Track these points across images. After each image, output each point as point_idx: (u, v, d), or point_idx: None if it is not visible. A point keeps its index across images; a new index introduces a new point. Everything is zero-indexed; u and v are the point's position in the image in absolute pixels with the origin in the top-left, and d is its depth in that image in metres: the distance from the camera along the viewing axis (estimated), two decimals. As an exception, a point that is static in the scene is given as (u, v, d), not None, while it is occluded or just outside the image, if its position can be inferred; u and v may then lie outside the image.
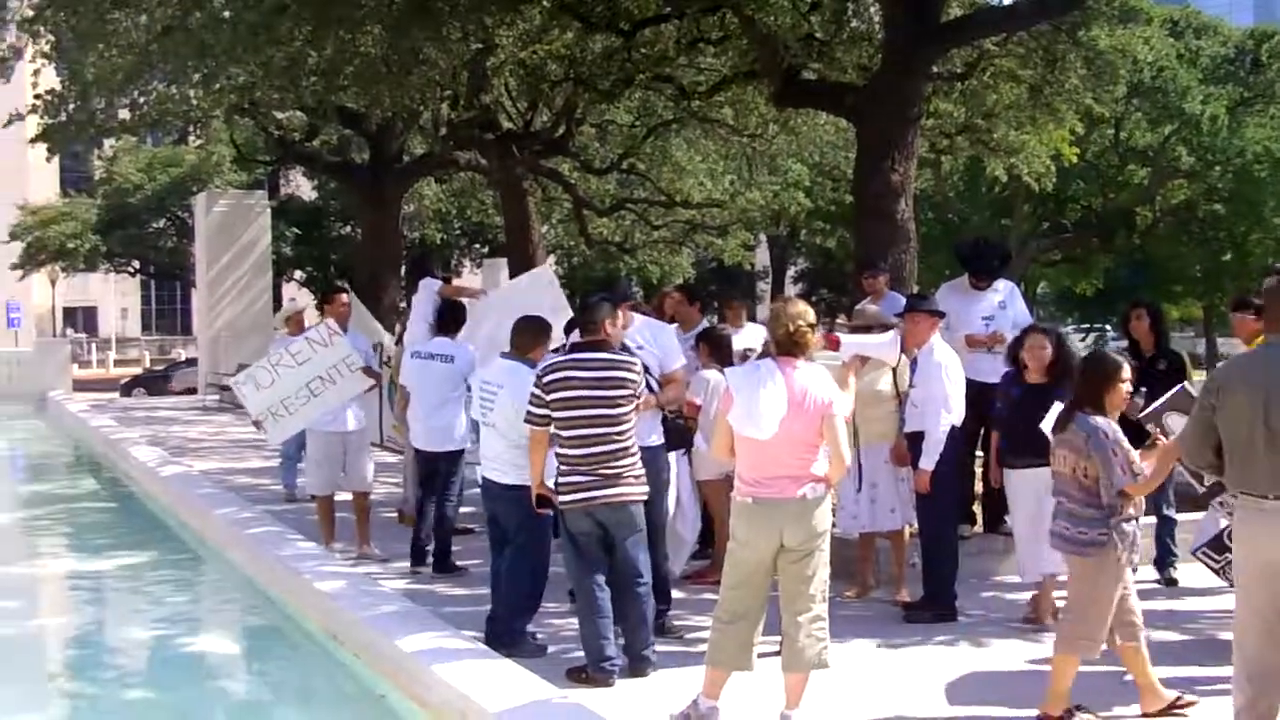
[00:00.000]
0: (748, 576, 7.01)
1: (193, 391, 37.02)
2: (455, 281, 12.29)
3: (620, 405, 7.75)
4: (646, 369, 8.44)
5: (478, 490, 10.70)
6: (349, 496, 12.09)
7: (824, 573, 7.02)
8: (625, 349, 8.07)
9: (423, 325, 11.62)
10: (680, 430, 9.09)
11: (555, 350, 8.72)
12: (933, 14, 14.49)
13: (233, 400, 29.13)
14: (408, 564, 11.02)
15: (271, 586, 10.93)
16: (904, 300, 10.73)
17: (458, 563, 10.94)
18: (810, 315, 7.06)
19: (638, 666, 7.84)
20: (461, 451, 11.09)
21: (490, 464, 8.66)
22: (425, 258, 13.49)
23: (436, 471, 11.04)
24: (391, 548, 11.45)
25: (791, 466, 6.88)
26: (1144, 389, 10.26)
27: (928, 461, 9.18)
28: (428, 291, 11.99)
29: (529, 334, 8.78)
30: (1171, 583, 10.45)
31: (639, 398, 7.86)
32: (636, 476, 7.83)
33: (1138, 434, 10.38)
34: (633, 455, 7.83)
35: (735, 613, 7.02)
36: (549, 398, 7.82)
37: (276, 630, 10.48)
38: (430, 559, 10.94)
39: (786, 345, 7.00)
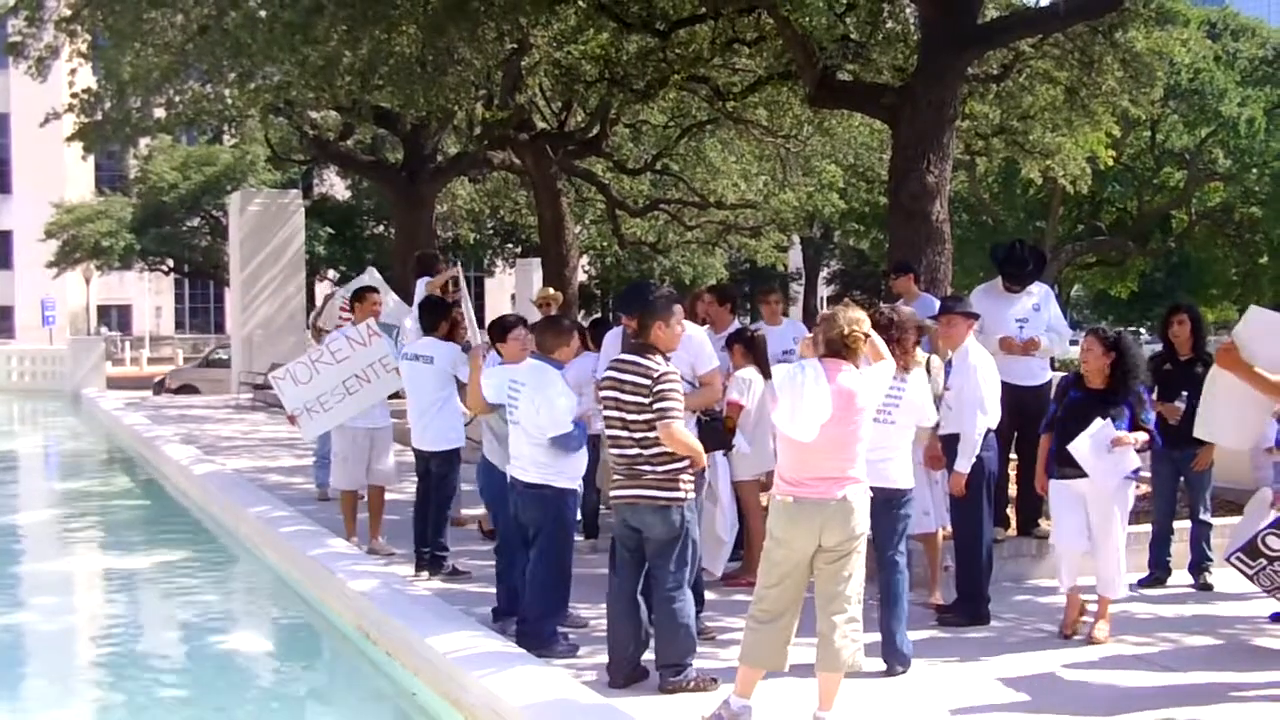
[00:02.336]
0: (785, 576, 7.01)
1: (191, 390, 37.17)
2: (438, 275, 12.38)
3: (636, 412, 7.62)
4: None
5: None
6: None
7: (860, 574, 7.03)
8: (653, 351, 7.77)
9: (416, 325, 11.71)
10: (717, 432, 9.04)
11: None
12: (969, 15, 14.45)
13: (264, 399, 29.34)
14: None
15: (304, 585, 10.96)
16: (937, 302, 10.71)
17: (459, 566, 11.00)
18: (866, 324, 7.08)
19: (660, 680, 7.71)
20: (455, 451, 11.12)
21: (516, 462, 8.67)
22: (431, 257, 13.38)
23: (429, 471, 11.11)
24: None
25: (832, 468, 6.91)
26: (1184, 393, 10.21)
27: (963, 464, 9.14)
28: (420, 291, 12.08)
29: (551, 334, 8.76)
30: (1206, 588, 10.40)
31: (662, 403, 7.55)
32: (667, 480, 7.67)
33: (1176, 438, 10.37)
34: (660, 461, 7.64)
35: (771, 612, 7.02)
36: (599, 394, 7.86)
37: (309, 628, 10.51)
38: (442, 566, 10.99)
39: (837, 347, 7.01)
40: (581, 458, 8.65)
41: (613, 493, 7.88)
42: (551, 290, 15.03)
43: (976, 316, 9.70)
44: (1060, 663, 8.37)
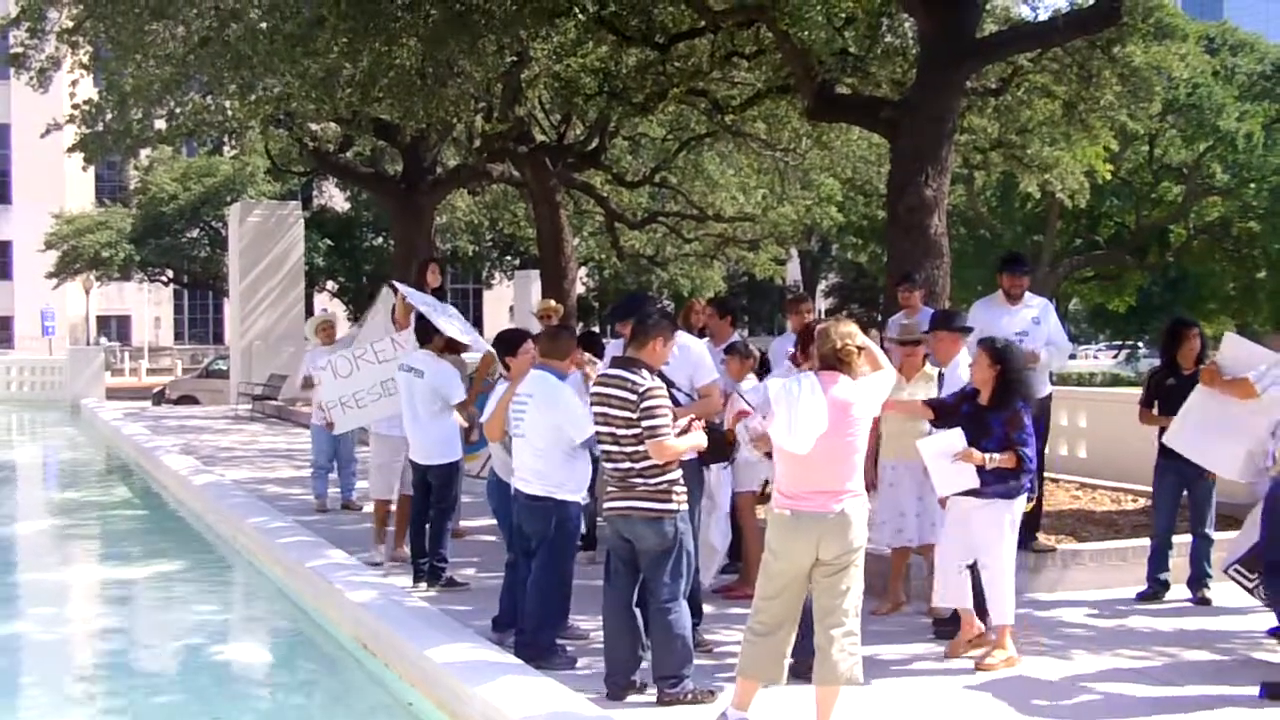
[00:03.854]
0: (782, 589, 7.02)
1: (191, 400, 37.20)
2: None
3: (624, 426, 7.65)
4: (673, 384, 8.43)
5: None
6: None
7: (858, 587, 7.03)
8: (640, 366, 7.80)
9: (412, 336, 11.76)
10: (717, 444, 9.01)
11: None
12: (967, 29, 14.48)
13: (263, 410, 29.36)
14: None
15: (303, 595, 10.97)
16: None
17: (457, 578, 10.98)
18: (859, 336, 7.13)
19: (658, 692, 7.70)
20: (453, 465, 11.12)
21: (519, 474, 8.66)
22: (424, 265, 13.46)
23: (427, 483, 11.10)
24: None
25: (830, 481, 6.92)
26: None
27: None
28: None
29: (554, 343, 8.77)
30: (1205, 602, 10.38)
31: (650, 420, 7.57)
32: (659, 492, 7.68)
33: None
34: (652, 473, 7.66)
35: (769, 624, 7.04)
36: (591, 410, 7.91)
37: (307, 639, 10.51)
38: (440, 577, 10.98)
39: (831, 360, 7.06)
40: (586, 470, 8.66)
41: (606, 504, 7.90)
42: (553, 302, 15.03)
43: (967, 331, 9.71)
44: (1057, 675, 8.37)
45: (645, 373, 7.72)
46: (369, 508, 12.52)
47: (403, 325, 12.29)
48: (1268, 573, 8.52)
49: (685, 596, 7.82)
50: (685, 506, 7.81)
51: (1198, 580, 10.53)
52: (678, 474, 7.74)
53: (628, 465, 7.69)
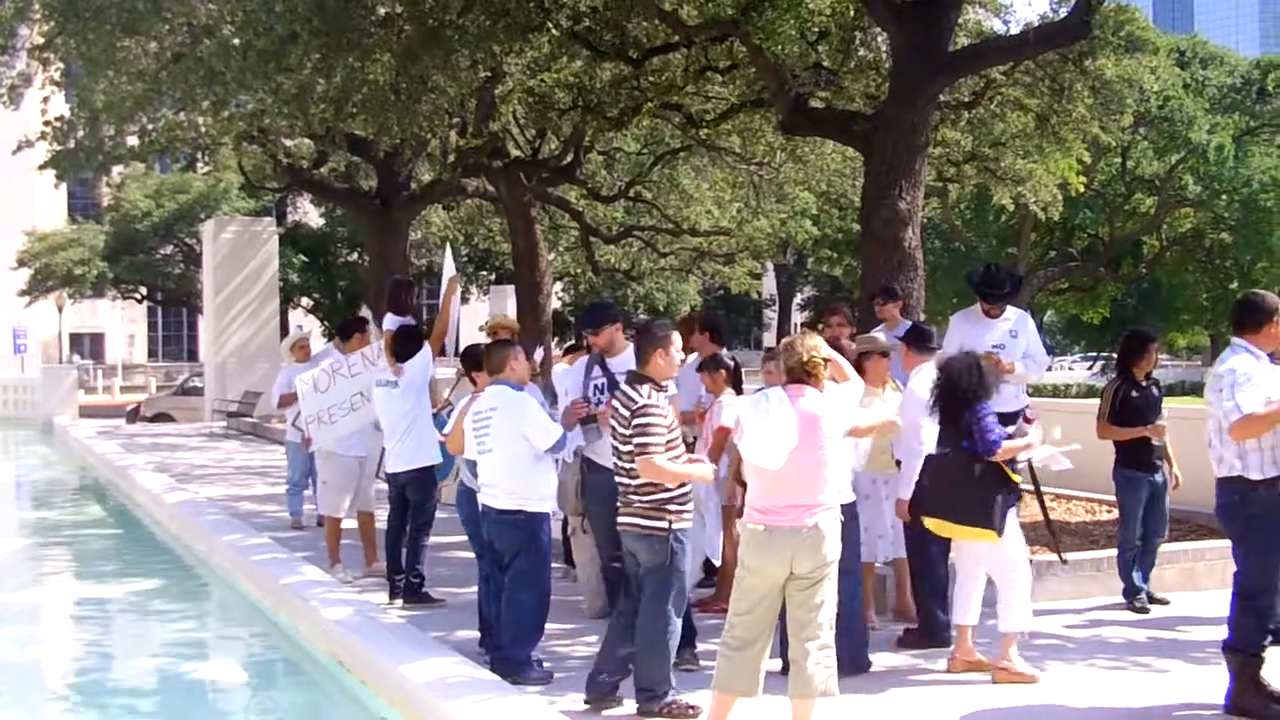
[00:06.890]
0: (756, 603, 7.03)
1: (166, 418, 37.07)
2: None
3: (622, 441, 7.68)
4: (618, 385, 8.44)
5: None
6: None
7: (832, 600, 7.04)
8: (643, 382, 7.79)
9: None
10: None
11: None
12: (940, 43, 14.53)
13: (237, 427, 29.28)
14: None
15: (278, 613, 10.94)
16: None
17: (433, 594, 10.98)
18: (825, 348, 7.14)
19: (636, 705, 7.68)
20: (429, 470, 11.10)
21: (487, 490, 8.65)
22: (402, 284, 13.41)
23: (404, 499, 11.08)
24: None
25: (802, 495, 6.92)
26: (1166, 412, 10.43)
27: (904, 490, 9.17)
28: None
29: (491, 358, 8.79)
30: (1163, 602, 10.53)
31: (641, 437, 7.55)
32: (652, 510, 7.64)
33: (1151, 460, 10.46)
34: (645, 491, 7.63)
35: (743, 639, 7.04)
36: None
37: (283, 657, 10.47)
38: (417, 593, 10.96)
39: (798, 373, 7.07)
40: (552, 479, 8.67)
41: (618, 518, 7.91)
42: (504, 317, 14.88)
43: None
44: (1028, 686, 8.37)
45: (645, 388, 7.72)
46: (347, 523, 12.45)
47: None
48: None
49: (676, 613, 7.80)
50: (680, 525, 7.75)
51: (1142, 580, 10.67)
52: (673, 493, 7.69)
53: (625, 481, 7.73)
